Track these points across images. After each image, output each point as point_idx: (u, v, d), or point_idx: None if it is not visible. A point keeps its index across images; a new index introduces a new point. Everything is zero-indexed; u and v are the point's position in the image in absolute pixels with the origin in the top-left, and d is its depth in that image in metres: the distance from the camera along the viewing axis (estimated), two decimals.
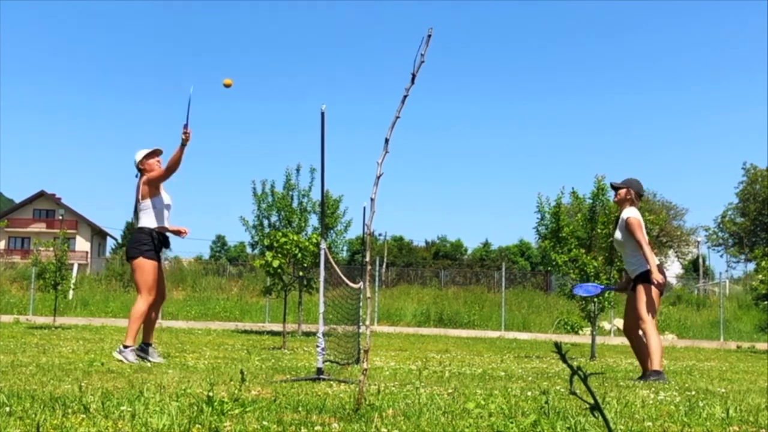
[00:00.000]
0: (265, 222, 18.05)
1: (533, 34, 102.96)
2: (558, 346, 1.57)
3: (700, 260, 54.25)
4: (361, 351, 7.06)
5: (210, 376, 5.06)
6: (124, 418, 2.84)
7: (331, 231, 18.15)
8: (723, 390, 5.22)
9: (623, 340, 17.23)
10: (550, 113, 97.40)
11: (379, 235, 63.14)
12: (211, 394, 3.11)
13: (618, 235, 6.63)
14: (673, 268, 50.75)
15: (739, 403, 4.10)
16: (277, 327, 19.93)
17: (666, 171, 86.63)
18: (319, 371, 5.03)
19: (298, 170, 18.31)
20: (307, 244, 11.65)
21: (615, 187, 6.82)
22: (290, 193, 18.19)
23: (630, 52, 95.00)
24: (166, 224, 6.80)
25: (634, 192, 6.69)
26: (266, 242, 14.37)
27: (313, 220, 18.14)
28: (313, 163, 18.18)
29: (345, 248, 25.38)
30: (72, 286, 20.12)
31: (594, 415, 1.62)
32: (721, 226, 52.40)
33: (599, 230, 11.66)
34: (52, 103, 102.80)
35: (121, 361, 6.33)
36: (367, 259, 3.53)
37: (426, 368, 6.81)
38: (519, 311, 27.25)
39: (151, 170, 6.75)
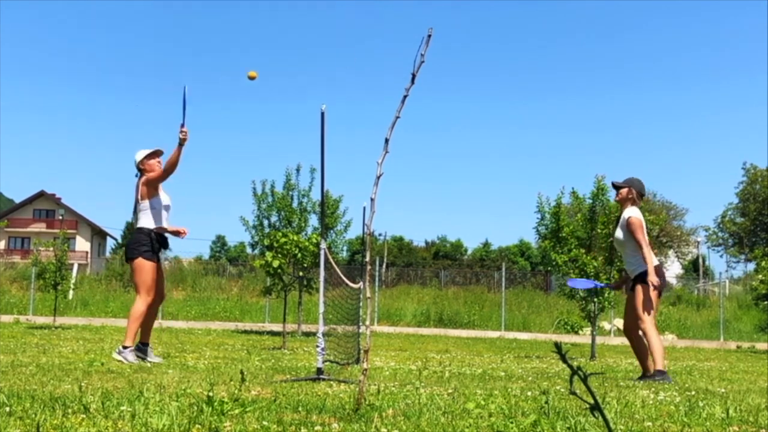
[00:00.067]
0: (265, 222, 18.05)
1: (533, 34, 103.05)
2: (558, 346, 1.57)
3: (700, 260, 54.25)
4: (361, 351, 7.06)
5: (210, 376, 5.06)
6: (124, 418, 2.84)
7: (331, 231, 18.15)
8: (723, 390, 5.22)
9: (623, 340, 17.23)
10: (550, 113, 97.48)
11: (379, 235, 63.18)
12: (211, 394, 3.11)
13: (619, 234, 6.63)
14: (673, 268, 50.75)
15: (739, 403, 4.10)
16: (277, 327, 19.93)
17: (666, 171, 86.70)
18: (319, 371, 5.03)
19: (298, 170, 18.32)
20: (307, 244, 11.65)
21: (617, 186, 6.80)
22: (290, 193, 18.19)
23: (630, 52, 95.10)
24: (165, 225, 6.80)
25: (635, 191, 6.68)
26: (266, 242, 14.37)
27: (313, 220, 18.15)
28: (313, 163, 18.20)
29: (345, 248, 25.36)
30: (72, 286, 20.13)
31: (594, 415, 1.62)
32: (721, 226, 52.38)
33: (599, 230, 11.66)
34: (52, 103, 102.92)
35: (120, 361, 6.33)
36: (367, 259, 3.53)
37: (426, 368, 6.81)
38: (519, 311, 27.25)
39: (152, 170, 6.75)
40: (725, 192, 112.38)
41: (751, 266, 43.92)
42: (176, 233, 6.84)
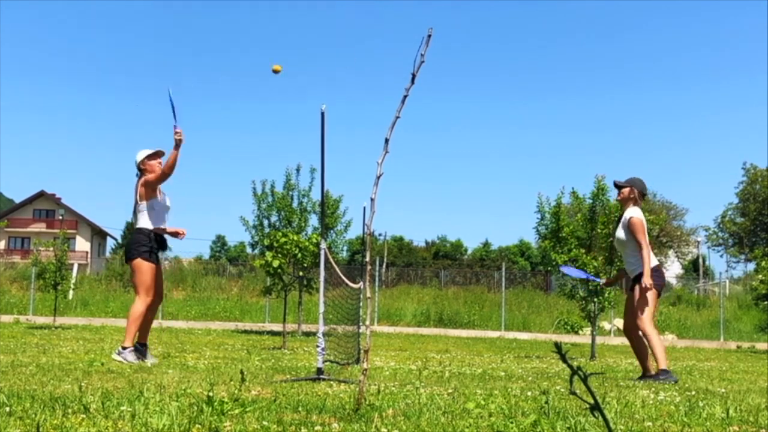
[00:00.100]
0: (265, 222, 18.05)
1: (533, 34, 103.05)
2: (558, 346, 1.57)
3: (700, 260, 54.25)
4: (361, 351, 7.06)
5: (210, 376, 5.06)
6: (124, 418, 2.84)
7: (331, 231, 18.15)
8: (723, 390, 5.22)
9: (623, 340, 17.24)
10: (550, 113, 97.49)
11: (379, 235, 63.16)
12: (211, 394, 3.11)
13: (620, 233, 6.62)
14: (673, 268, 50.77)
15: (739, 403, 4.10)
16: (277, 327, 19.93)
17: (666, 171, 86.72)
18: (319, 371, 5.03)
19: (298, 170, 18.32)
20: (307, 244, 11.65)
21: (618, 186, 6.80)
22: (290, 193, 18.19)
23: (630, 52, 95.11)
24: (164, 225, 6.80)
25: (637, 191, 6.67)
26: (266, 242, 14.36)
27: (313, 220, 18.14)
28: (313, 163, 18.20)
29: (345, 248, 25.38)
30: (72, 286, 20.13)
31: (594, 415, 1.62)
32: (721, 226, 52.38)
33: (599, 230, 11.66)
34: (52, 103, 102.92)
35: (120, 362, 6.33)
36: (367, 259, 3.53)
37: (426, 368, 6.81)
38: (519, 311, 27.25)
39: (152, 171, 6.75)
40: (725, 192, 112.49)
41: (751, 266, 43.95)
42: (175, 234, 6.85)
